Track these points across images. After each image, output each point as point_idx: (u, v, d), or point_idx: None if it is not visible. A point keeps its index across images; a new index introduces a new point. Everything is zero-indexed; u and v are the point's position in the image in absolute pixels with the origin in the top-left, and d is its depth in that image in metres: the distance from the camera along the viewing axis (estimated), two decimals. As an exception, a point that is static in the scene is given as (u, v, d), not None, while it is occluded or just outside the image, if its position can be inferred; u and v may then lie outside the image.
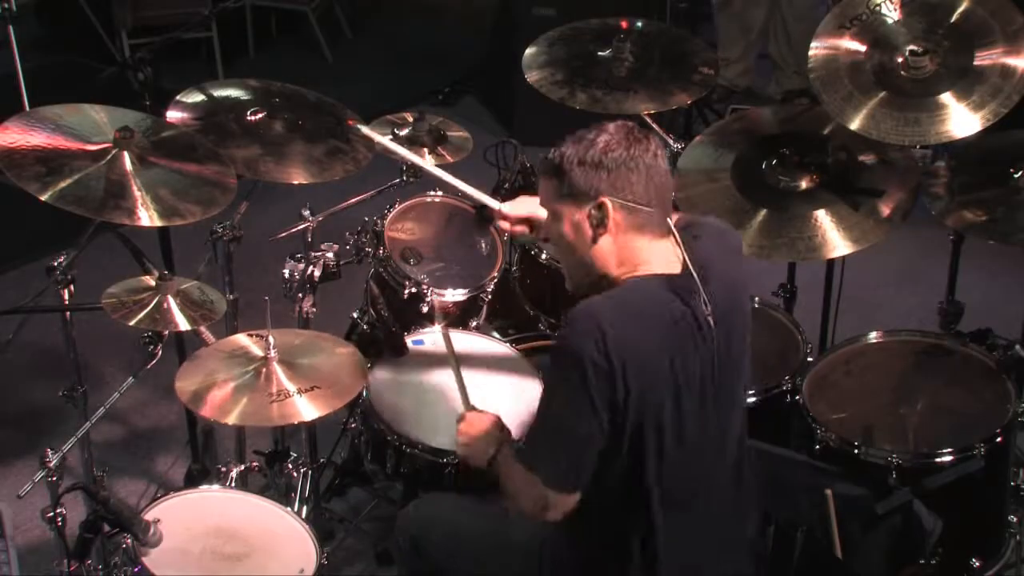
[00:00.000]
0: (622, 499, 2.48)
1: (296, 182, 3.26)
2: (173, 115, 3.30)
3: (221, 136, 3.27)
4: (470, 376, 3.22)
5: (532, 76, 3.70)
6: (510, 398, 3.20)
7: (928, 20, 3.39)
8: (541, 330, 3.65)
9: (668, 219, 2.45)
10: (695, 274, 2.40)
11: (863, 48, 3.40)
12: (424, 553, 2.80)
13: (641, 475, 2.43)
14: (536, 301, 3.70)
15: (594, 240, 2.42)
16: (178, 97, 3.36)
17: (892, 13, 3.40)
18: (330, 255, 3.33)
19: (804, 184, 3.40)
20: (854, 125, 3.29)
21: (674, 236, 2.46)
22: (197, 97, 3.40)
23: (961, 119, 3.24)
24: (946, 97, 3.28)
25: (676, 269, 2.44)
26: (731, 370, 2.49)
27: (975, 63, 3.29)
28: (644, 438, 2.39)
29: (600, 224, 2.41)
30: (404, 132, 3.66)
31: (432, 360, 3.33)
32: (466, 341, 3.42)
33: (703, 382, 2.43)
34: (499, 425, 2.70)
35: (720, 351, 2.44)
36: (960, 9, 3.36)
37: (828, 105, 3.35)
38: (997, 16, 3.33)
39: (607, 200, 2.39)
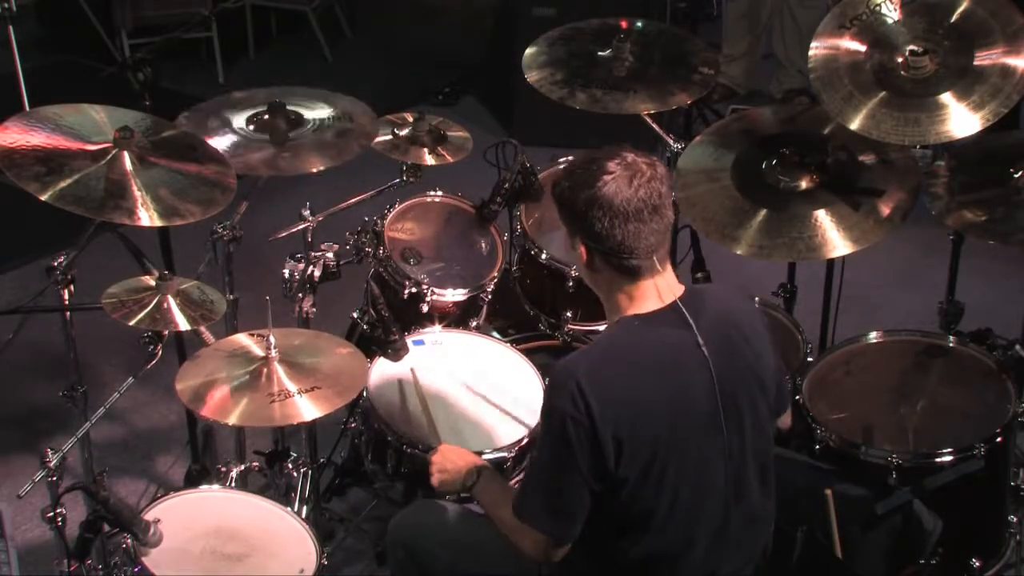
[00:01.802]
0: (625, 532, 2.48)
1: (315, 170, 3.25)
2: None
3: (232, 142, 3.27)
4: (470, 379, 3.23)
5: (532, 76, 3.70)
6: (509, 398, 3.20)
7: (928, 20, 3.38)
8: (541, 330, 3.66)
9: (656, 261, 2.43)
10: (683, 306, 2.42)
11: (863, 48, 3.39)
12: (420, 562, 2.80)
13: (643, 510, 2.44)
14: (536, 301, 3.70)
15: (590, 272, 2.48)
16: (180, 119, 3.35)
17: (892, 13, 3.40)
18: (330, 255, 3.33)
19: (804, 184, 3.39)
20: (854, 125, 3.29)
21: (661, 269, 2.46)
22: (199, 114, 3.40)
23: (961, 119, 3.24)
24: (946, 97, 3.27)
25: (670, 299, 2.45)
26: (738, 402, 2.46)
27: (975, 63, 3.29)
28: (645, 476, 2.39)
29: (588, 256, 2.45)
30: (404, 132, 3.66)
31: (432, 360, 3.34)
32: (466, 341, 3.42)
33: (708, 412, 2.42)
34: (474, 462, 2.74)
35: (721, 381, 2.42)
36: (960, 9, 3.36)
37: (828, 105, 3.35)
38: (997, 16, 3.32)
39: (583, 246, 2.43)
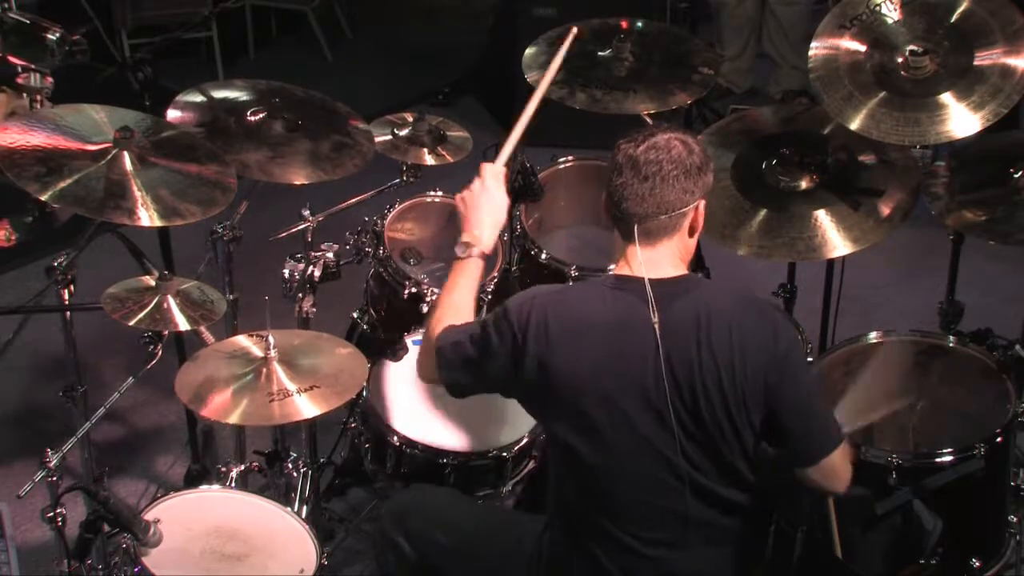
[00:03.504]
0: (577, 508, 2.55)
1: (299, 182, 3.26)
2: (174, 115, 3.30)
3: (227, 140, 3.27)
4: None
5: (532, 76, 3.69)
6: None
7: (928, 20, 3.38)
8: (541, 330, 3.65)
9: (636, 232, 2.50)
10: (650, 285, 2.47)
11: (863, 48, 3.39)
12: (417, 546, 2.80)
13: (586, 465, 2.50)
14: (536, 301, 3.69)
15: (605, 209, 2.58)
16: (178, 98, 3.35)
17: (892, 13, 3.40)
18: (330, 255, 3.33)
19: (804, 184, 3.39)
20: (854, 125, 3.29)
21: (640, 244, 2.51)
22: (197, 98, 3.40)
23: (961, 119, 3.24)
24: (946, 97, 3.27)
25: (660, 275, 2.50)
26: (699, 400, 2.45)
27: (975, 63, 3.29)
28: (571, 420, 2.48)
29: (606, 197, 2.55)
30: (404, 132, 3.66)
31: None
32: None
33: (650, 394, 2.44)
34: (478, 232, 2.75)
35: (674, 370, 2.44)
36: (960, 9, 3.36)
37: (828, 106, 3.34)
38: (997, 16, 3.32)
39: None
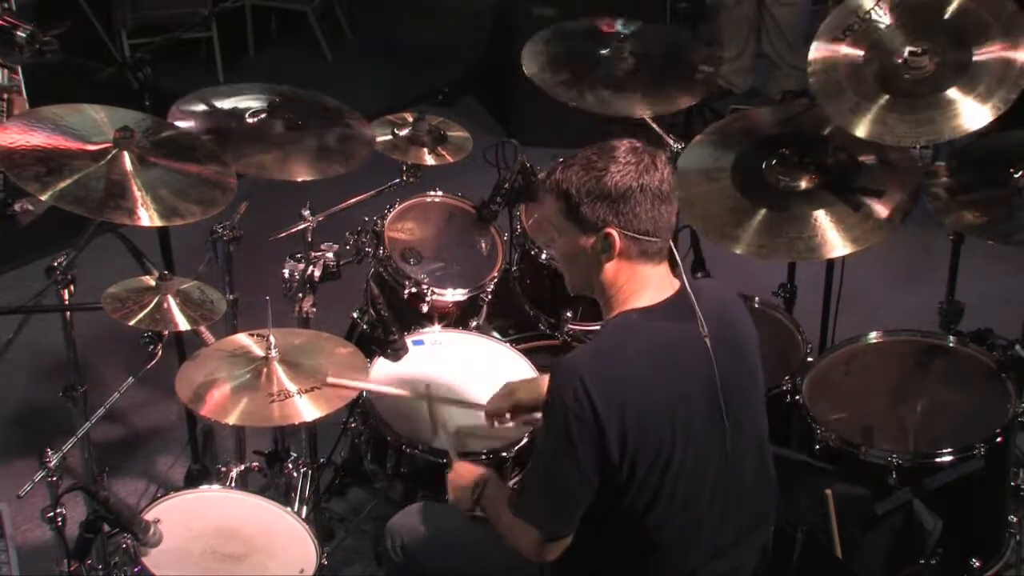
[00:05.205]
0: (626, 528, 2.48)
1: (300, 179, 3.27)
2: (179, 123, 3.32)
3: (233, 143, 3.28)
4: (470, 380, 3.23)
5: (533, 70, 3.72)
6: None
7: (921, 20, 3.36)
8: (541, 330, 3.65)
9: (669, 243, 2.47)
10: (690, 292, 2.42)
11: (861, 54, 3.37)
12: (417, 564, 2.80)
13: (645, 505, 2.43)
14: (536, 301, 3.70)
15: (599, 265, 2.45)
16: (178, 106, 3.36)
17: (883, 18, 3.38)
18: (330, 255, 3.33)
19: (804, 184, 3.39)
20: (862, 133, 3.25)
21: (672, 257, 2.48)
22: (198, 106, 3.41)
23: (971, 112, 3.19)
24: (952, 92, 3.24)
25: (668, 293, 2.46)
26: (740, 395, 2.47)
27: (974, 58, 3.27)
28: (650, 471, 2.39)
29: (605, 251, 2.43)
30: (404, 132, 3.66)
31: (432, 360, 3.34)
32: (466, 341, 3.42)
33: (707, 404, 2.43)
34: (479, 474, 2.71)
35: (722, 371, 2.42)
36: (952, 6, 3.34)
37: (835, 117, 3.31)
38: (988, 6, 3.30)
39: (614, 232, 2.40)
